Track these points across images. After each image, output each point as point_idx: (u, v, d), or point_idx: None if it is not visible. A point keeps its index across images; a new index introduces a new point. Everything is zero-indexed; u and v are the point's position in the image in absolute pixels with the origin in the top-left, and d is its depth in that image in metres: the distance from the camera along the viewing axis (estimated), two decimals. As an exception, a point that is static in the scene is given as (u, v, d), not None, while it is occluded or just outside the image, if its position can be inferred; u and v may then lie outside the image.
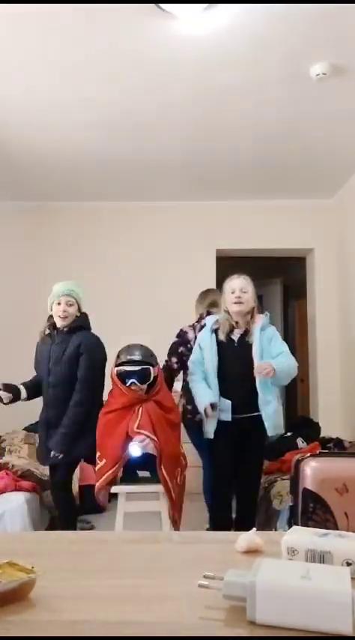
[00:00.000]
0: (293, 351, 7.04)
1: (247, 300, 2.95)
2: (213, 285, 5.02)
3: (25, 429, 4.50)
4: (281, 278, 6.54)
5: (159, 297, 5.08)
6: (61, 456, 2.99)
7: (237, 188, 4.93)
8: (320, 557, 0.85)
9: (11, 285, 5.19)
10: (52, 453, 3.00)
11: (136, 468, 2.91)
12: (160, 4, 2.50)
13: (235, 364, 2.94)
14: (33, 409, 3.41)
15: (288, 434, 4.25)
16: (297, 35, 2.76)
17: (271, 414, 2.87)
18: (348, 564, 0.84)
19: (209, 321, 3.09)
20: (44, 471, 3.56)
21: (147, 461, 2.82)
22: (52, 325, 3.18)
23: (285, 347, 3.00)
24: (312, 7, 2.54)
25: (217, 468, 3.02)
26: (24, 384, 3.20)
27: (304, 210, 5.19)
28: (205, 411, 2.86)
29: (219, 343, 2.97)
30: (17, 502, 3.16)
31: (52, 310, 3.16)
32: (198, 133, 3.86)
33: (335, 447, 4.11)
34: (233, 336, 2.98)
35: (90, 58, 2.97)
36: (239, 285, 2.96)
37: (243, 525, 2.65)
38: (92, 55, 2.94)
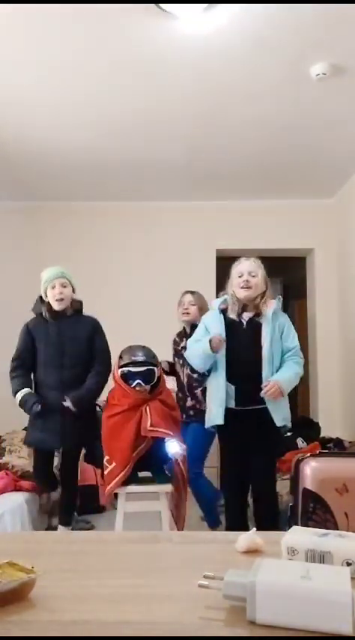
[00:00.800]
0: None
1: (256, 285, 2.73)
2: (214, 286, 5.04)
3: (25, 429, 4.50)
4: (281, 278, 6.54)
5: (159, 296, 5.08)
6: (74, 409, 3.02)
7: (237, 188, 4.93)
8: (320, 557, 0.85)
9: (11, 285, 5.18)
10: (67, 402, 3.03)
11: (140, 469, 2.90)
12: (160, 4, 2.50)
13: (243, 348, 2.73)
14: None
15: (288, 434, 4.25)
16: (297, 35, 2.76)
17: (278, 403, 2.67)
18: (348, 564, 0.84)
19: (216, 302, 2.88)
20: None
21: (150, 460, 2.83)
22: (48, 310, 3.20)
23: (296, 341, 2.80)
24: (312, 7, 2.54)
25: (228, 464, 2.84)
26: (28, 386, 3.19)
27: (304, 210, 5.19)
28: (211, 341, 2.63)
29: (226, 324, 2.75)
30: (17, 502, 3.17)
31: (46, 296, 3.20)
32: (198, 133, 3.86)
33: (335, 447, 4.12)
34: (242, 319, 2.78)
35: (90, 58, 2.97)
36: (247, 269, 2.74)
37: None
38: (91, 55, 2.94)
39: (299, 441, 4.04)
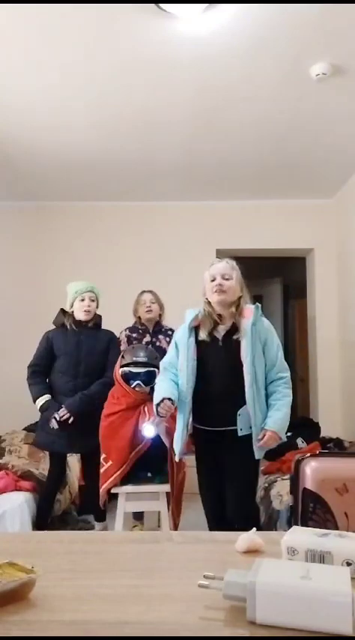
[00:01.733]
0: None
1: (230, 288, 2.41)
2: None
3: (25, 429, 4.51)
4: (281, 278, 6.55)
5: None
6: (70, 418, 3.09)
7: (237, 188, 4.93)
8: (320, 557, 0.85)
9: (11, 285, 5.19)
10: (62, 411, 3.11)
11: (140, 469, 2.90)
12: (160, 4, 2.49)
13: (218, 369, 2.41)
14: (33, 409, 3.41)
15: (288, 434, 4.25)
16: (297, 35, 2.76)
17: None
18: (348, 564, 0.84)
19: (188, 315, 2.53)
20: (44, 471, 3.56)
21: (150, 460, 2.83)
22: (72, 319, 3.33)
23: (280, 353, 2.48)
24: (312, 6, 2.54)
25: (204, 494, 2.54)
26: (47, 392, 3.26)
27: (304, 210, 5.19)
28: (158, 407, 2.35)
29: (198, 343, 2.44)
30: (17, 502, 3.17)
31: (72, 306, 3.34)
32: (198, 133, 3.86)
33: (335, 447, 4.11)
34: (216, 334, 2.45)
35: (90, 58, 2.97)
36: (220, 271, 2.44)
37: None
38: (92, 55, 2.94)
39: (299, 441, 4.03)
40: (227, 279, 2.43)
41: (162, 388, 2.43)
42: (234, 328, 2.43)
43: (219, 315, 2.46)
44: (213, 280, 2.44)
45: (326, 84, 3.18)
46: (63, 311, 3.39)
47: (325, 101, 3.40)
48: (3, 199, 5.14)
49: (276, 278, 6.52)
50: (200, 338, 2.44)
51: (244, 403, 2.35)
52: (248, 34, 2.76)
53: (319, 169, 4.51)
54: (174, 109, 3.51)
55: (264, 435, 2.34)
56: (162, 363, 2.61)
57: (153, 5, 2.51)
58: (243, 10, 2.57)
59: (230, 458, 2.41)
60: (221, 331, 2.45)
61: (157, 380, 2.59)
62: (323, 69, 3.02)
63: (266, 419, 2.38)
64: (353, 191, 4.66)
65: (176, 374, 2.49)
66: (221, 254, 5.20)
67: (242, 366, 2.36)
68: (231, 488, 2.43)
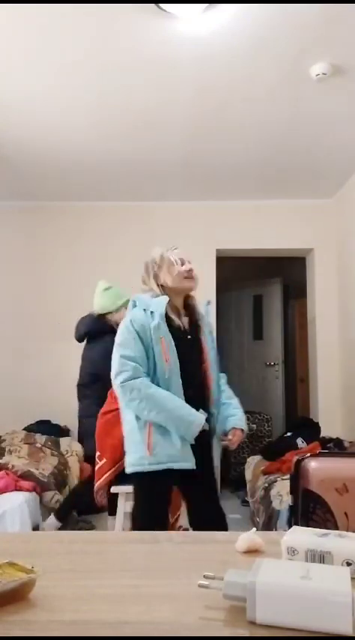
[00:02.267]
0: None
1: (195, 277, 2.21)
2: (214, 286, 5.04)
3: (25, 429, 4.51)
4: (281, 278, 6.54)
5: (159, 297, 5.08)
6: None
7: (237, 188, 4.93)
8: (320, 557, 0.85)
9: (11, 285, 5.18)
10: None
11: None
12: (160, 4, 2.50)
13: (190, 365, 2.14)
14: (33, 409, 3.42)
15: (288, 434, 4.25)
16: (297, 35, 2.76)
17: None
18: (348, 564, 0.84)
19: (155, 304, 2.14)
20: (44, 471, 3.56)
21: None
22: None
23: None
24: (312, 7, 2.54)
25: (154, 509, 2.13)
26: None
27: (304, 210, 5.19)
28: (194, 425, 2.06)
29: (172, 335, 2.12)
30: (17, 502, 3.16)
31: (115, 311, 3.39)
32: (198, 133, 3.86)
33: (335, 447, 4.11)
34: (183, 325, 2.19)
35: (90, 58, 2.97)
36: (187, 256, 2.22)
37: None
38: (92, 55, 2.94)
39: (299, 441, 4.03)
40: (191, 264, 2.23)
41: (181, 403, 2.07)
42: (193, 320, 2.24)
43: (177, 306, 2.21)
44: (182, 264, 2.19)
45: (326, 84, 3.18)
46: (100, 316, 3.40)
47: (325, 101, 3.40)
48: (3, 199, 5.14)
49: (276, 278, 6.51)
50: (175, 325, 2.14)
51: (208, 399, 2.19)
52: (248, 34, 2.76)
53: (319, 169, 4.51)
54: (174, 109, 3.50)
55: (234, 435, 2.22)
56: (130, 358, 2.08)
57: (153, 5, 2.51)
58: (243, 10, 2.57)
59: (203, 460, 2.13)
60: (185, 323, 2.21)
61: (138, 382, 2.06)
62: (323, 69, 3.02)
63: (229, 417, 2.26)
64: (353, 191, 4.66)
65: (147, 373, 2.10)
66: (221, 254, 5.21)
67: (203, 360, 2.19)
68: (211, 492, 2.23)
